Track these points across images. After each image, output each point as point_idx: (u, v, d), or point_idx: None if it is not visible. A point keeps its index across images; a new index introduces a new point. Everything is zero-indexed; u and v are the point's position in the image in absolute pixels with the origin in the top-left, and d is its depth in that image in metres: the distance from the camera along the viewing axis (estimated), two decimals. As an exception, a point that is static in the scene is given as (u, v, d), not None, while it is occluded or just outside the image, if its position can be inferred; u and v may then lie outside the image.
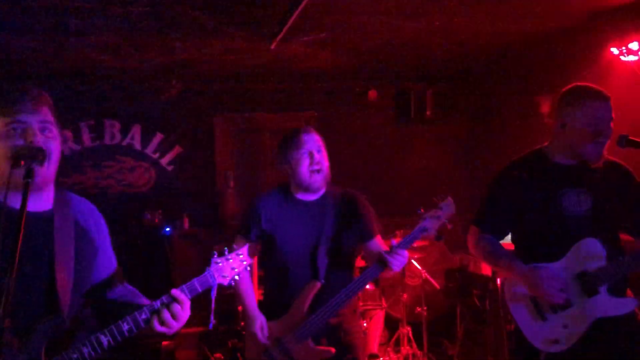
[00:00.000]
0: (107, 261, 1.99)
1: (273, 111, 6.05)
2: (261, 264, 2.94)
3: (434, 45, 4.83)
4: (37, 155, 1.70)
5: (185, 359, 4.75)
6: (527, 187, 2.40)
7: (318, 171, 2.66)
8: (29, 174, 1.64)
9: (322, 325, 2.61)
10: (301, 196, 2.75)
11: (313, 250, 2.67)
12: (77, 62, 4.89)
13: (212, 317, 2.06)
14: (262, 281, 3.22)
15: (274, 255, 2.73)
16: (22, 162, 1.65)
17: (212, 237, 5.22)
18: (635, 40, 3.89)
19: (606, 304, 2.26)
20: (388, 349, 4.65)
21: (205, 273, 1.88)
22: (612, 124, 2.30)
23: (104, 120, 5.76)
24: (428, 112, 6.06)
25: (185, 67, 5.23)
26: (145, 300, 1.90)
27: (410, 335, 4.57)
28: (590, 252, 2.29)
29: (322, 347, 2.64)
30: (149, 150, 5.88)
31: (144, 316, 1.77)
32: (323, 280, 2.64)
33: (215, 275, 1.91)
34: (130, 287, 2.03)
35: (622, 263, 2.26)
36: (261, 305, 2.76)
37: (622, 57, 4.00)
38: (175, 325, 1.80)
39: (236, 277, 1.95)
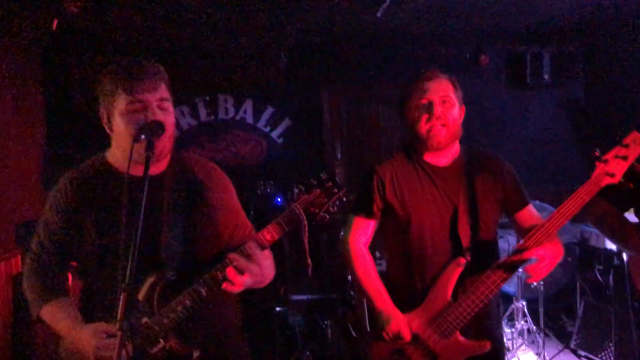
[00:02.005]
0: (233, 217, 2.03)
1: (381, 80, 5.97)
2: (383, 243, 2.47)
3: (548, 5, 4.51)
4: (157, 129, 1.81)
5: (295, 326, 4.90)
6: None
7: (442, 125, 2.20)
8: (150, 146, 1.76)
9: (472, 313, 2.12)
10: (430, 159, 2.28)
11: (452, 223, 2.21)
12: (191, 39, 5.10)
13: (308, 261, 1.93)
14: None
15: (404, 231, 2.26)
16: (143, 136, 1.77)
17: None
18: None
19: None
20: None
21: (290, 208, 1.79)
22: None
23: (218, 96, 5.99)
24: (546, 77, 5.70)
25: (292, 40, 5.28)
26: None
27: (525, 309, 4.40)
28: None
29: (475, 342, 2.16)
30: (260, 124, 6.05)
31: (219, 274, 1.82)
32: (469, 258, 2.16)
33: (301, 210, 1.80)
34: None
35: None
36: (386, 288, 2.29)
37: None
38: (240, 280, 1.80)
39: (330, 210, 1.80)
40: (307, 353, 4.57)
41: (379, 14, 4.39)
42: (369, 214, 2.35)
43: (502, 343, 2.40)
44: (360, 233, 2.38)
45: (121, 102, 1.83)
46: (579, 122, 5.95)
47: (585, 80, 5.93)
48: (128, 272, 1.58)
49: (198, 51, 5.55)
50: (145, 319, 1.83)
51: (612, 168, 1.95)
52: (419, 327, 2.17)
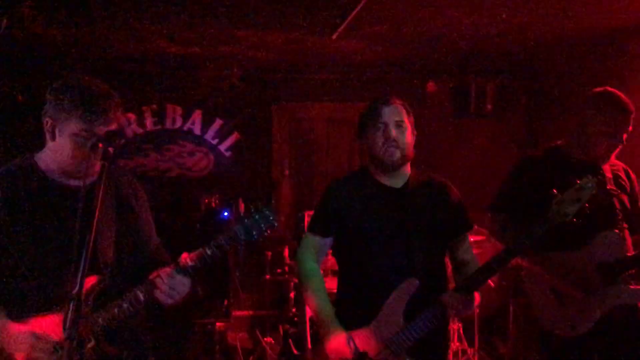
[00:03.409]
0: (150, 228, 2.24)
1: (330, 101, 6.07)
2: (337, 255, 2.52)
3: (494, 38, 4.74)
4: (114, 138, 1.91)
5: (236, 342, 4.86)
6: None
7: (396, 148, 2.31)
8: (107, 155, 1.85)
9: (422, 336, 2.17)
10: (384, 181, 2.38)
11: (405, 243, 2.29)
12: (142, 48, 5.04)
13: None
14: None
15: (357, 250, 2.33)
16: (101, 145, 1.86)
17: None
18: None
19: (623, 293, 2.48)
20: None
21: (233, 228, 1.95)
22: (625, 135, 2.57)
23: (167, 105, 5.92)
24: (489, 106, 5.94)
25: (247, 57, 5.31)
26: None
27: (461, 331, 4.54)
28: (612, 243, 2.51)
29: None
30: (208, 136, 6.02)
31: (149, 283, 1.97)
32: (421, 280, 2.20)
33: (242, 232, 1.96)
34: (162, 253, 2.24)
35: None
36: (336, 308, 2.32)
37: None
38: (168, 297, 1.96)
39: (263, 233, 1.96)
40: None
41: (333, 37, 4.49)
42: (323, 232, 2.43)
43: None
44: (314, 251, 2.44)
45: (74, 126, 1.93)
46: (515, 152, 6.21)
47: (524, 114, 6.21)
48: (79, 280, 1.61)
49: (148, 59, 5.49)
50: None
51: (567, 208, 2.12)
52: (368, 345, 2.16)
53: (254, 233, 1.95)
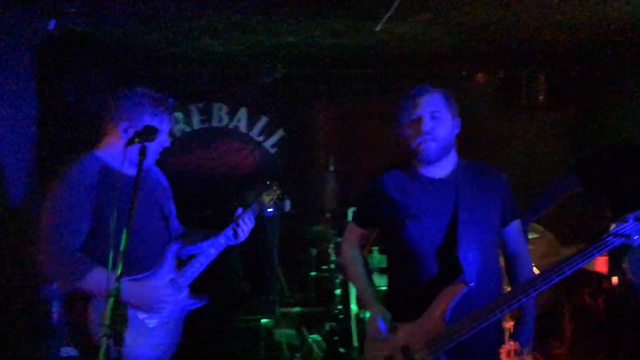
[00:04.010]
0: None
1: (377, 95, 5.98)
2: (385, 251, 2.56)
3: (547, 26, 4.55)
4: (151, 134, 2.09)
5: (282, 338, 4.85)
6: None
7: (432, 140, 2.23)
8: (143, 150, 1.99)
9: (462, 339, 2.11)
10: (427, 172, 2.31)
11: (453, 236, 2.20)
12: (187, 46, 5.09)
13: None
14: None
15: (402, 243, 2.28)
16: (137, 140, 2.03)
17: (311, 219, 5.33)
18: None
19: None
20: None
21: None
22: None
23: (213, 103, 5.97)
24: (541, 98, 5.73)
25: (290, 51, 5.29)
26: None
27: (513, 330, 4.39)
28: None
29: None
30: (253, 133, 6.03)
31: None
32: (472, 283, 2.13)
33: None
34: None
35: None
36: (386, 299, 2.35)
37: None
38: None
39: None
40: (293, 367, 4.53)
41: (377, 28, 4.41)
42: (365, 224, 2.47)
43: None
44: (356, 240, 2.50)
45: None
46: (568, 145, 5.98)
47: (580, 103, 5.97)
48: (116, 277, 1.60)
49: (193, 57, 5.54)
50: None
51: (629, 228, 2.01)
52: (410, 339, 2.16)
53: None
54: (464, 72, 5.97)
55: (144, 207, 2.25)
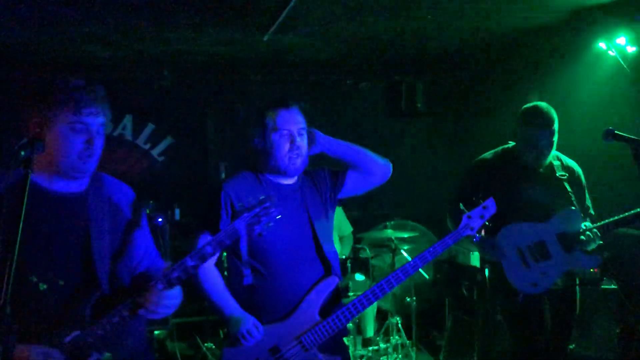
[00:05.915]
0: (145, 239, 2.11)
1: (264, 103, 6.03)
2: (235, 259, 2.43)
3: (424, 39, 4.88)
4: (37, 147, 1.82)
5: (176, 349, 4.77)
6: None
7: (299, 156, 2.34)
8: (29, 164, 1.75)
9: (336, 332, 2.28)
10: (276, 179, 2.41)
11: (310, 239, 2.36)
12: (70, 52, 4.88)
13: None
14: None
15: (260, 248, 2.31)
16: (23, 153, 1.76)
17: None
18: (623, 36, 4.01)
19: (580, 259, 2.97)
20: (377, 338, 4.72)
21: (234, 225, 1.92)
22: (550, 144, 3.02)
23: (96, 110, 5.73)
24: (419, 105, 6.08)
25: (178, 58, 5.23)
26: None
27: (399, 325, 4.64)
28: (571, 218, 2.98)
29: (330, 357, 2.30)
30: (139, 141, 5.88)
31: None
32: (339, 277, 2.32)
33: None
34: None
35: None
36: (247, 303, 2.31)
37: (609, 53, 4.11)
38: (154, 313, 1.89)
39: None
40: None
41: (265, 39, 4.49)
42: (215, 231, 2.32)
43: (348, 357, 2.55)
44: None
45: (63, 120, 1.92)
46: (446, 150, 6.39)
47: (455, 110, 6.41)
48: (3, 292, 1.54)
49: (76, 65, 5.32)
50: (76, 332, 1.82)
51: (473, 223, 2.49)
52: (279, 339, 2.24)
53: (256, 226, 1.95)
54: (348, 81, 6.21)
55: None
